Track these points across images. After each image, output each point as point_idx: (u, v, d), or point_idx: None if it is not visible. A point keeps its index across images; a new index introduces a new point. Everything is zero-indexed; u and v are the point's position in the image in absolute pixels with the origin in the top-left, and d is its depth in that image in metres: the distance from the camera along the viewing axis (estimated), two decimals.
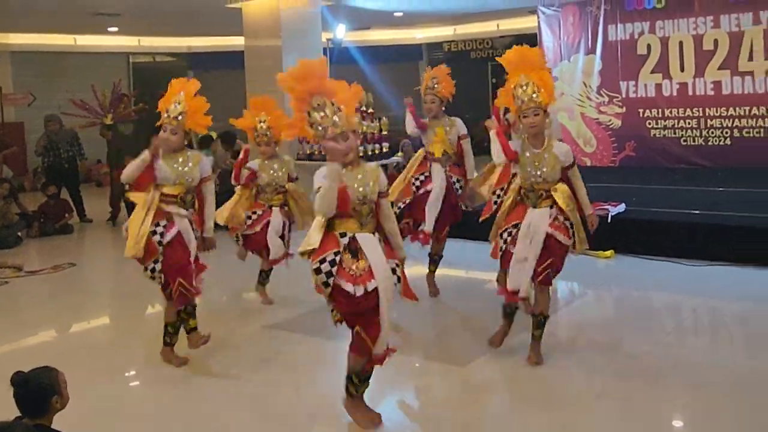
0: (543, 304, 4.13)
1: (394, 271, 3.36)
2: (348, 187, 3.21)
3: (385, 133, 8.64)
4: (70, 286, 6.78)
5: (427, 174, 5.34)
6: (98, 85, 10.00)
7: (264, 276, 5.58)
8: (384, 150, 8.60)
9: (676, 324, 5.21)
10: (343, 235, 3.24)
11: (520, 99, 3.93)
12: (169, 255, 4.13)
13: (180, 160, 4.19)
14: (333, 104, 3.16)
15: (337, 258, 3.21)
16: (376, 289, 3.22)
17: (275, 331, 5.05)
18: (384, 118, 8.99)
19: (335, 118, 3.16)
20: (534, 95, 3.87)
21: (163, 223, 4.14)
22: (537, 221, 4.03)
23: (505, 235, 4.14)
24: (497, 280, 4.85)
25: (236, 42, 10.74)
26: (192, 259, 4.23)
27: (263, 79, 9.01)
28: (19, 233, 8.57)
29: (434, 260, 5.63)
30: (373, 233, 3.35)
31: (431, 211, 5.26)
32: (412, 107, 5.40)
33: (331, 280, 3.21)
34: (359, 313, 3.26)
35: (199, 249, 4.35)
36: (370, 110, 8.63)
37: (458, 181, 5.45)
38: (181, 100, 4.13)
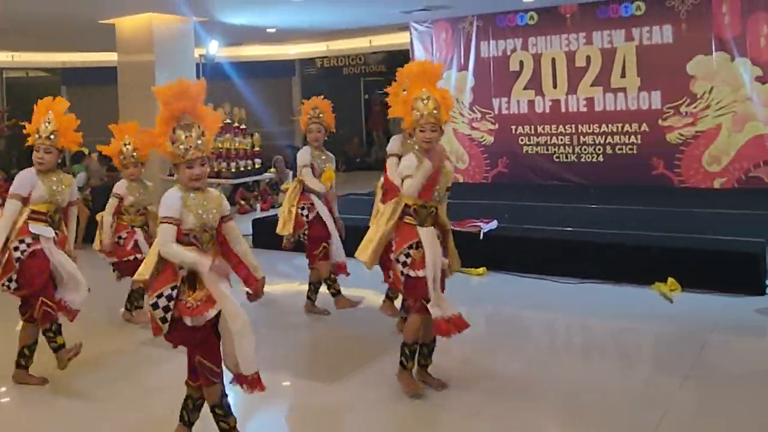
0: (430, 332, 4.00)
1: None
2: (191, 213, 3.24)
3: (257, 149, 9.07)
4: None
5: (310, 204, 5.46)
6: None
7: (137, 297, 5.48)
8: (257, 166, 9.03)
9: (550, 341, 5.18)
10: (181, 267, 3.23)
11: (419, 112, 3.87)
12: (28, 272, 4.15)
13: (54, 179, 4.28)
14: (199, 128, 3.27)
15: (174, 292, 3.21)
16: (217, 316, 3.23)
17: (148, 347, 4.84)
18: (256, 134, 9.34)
19: (199, 141, 3.25)
20: (435, 111, 3.85)
21: (27, 240, 4.17)
22: (431, 241, 3.89)
23: (402, 258, 3.91)
24: (383, 308, 5.04)
25: (110, 57, 11.11)
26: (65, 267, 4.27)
27: (136, 94, 9.44)
28: None
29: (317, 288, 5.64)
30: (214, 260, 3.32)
31: (337, 242, 5.42)
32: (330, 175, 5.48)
33: (168, 315, 3.20)
34: (197, 343, 3.26)
35: None
36: (243, 126, 8.96)
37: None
38: (51, 119, 4.22)
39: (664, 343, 4.91)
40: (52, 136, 4.18)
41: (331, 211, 5.47)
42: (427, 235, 3.87)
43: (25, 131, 4.25)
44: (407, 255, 3.86)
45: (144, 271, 3.26)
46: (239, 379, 3.27)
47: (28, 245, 4.14)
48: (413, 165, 3.81)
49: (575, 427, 3.65)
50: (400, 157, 4.66)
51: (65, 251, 4.33)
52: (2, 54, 15.06)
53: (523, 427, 3.65)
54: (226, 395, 3.32)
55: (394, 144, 4.90)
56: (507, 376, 4.31)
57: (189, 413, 3.41)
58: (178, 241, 3.20)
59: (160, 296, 3.19)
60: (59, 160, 4.37)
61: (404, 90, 4.60)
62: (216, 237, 3.35)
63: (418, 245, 3.85)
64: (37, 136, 4.20)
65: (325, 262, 5.39)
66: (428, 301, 3.82)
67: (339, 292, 5.55)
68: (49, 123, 4.19)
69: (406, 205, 3.91)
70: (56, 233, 4.27)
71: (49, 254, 4.20)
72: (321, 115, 5.43)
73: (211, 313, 3.19)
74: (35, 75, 16.61)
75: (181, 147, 3.21)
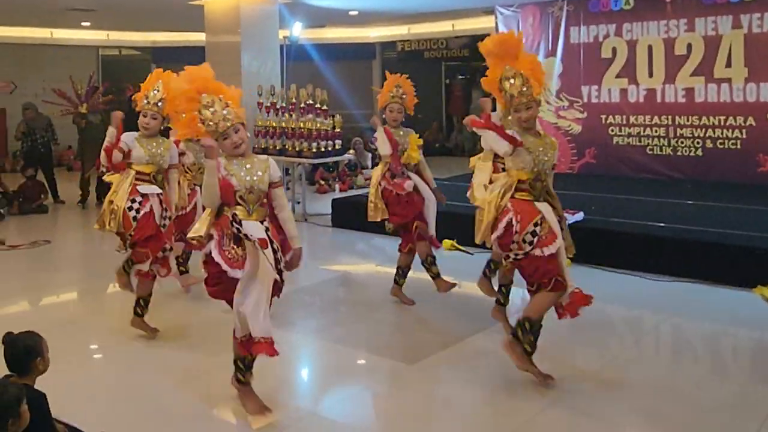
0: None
1: (278, 262, 3.45)
2: (234, 176, 3.42)
3: (338, 130, 9.01)
4: (46, 261, 7.39)
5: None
6: (73, 76, 11.06)
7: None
8: (336, 147, 8.99)
9: (635, 340, 4.94)
10: (233, 218, 3.40)
11: (509, 93, 3.74)
12: (141, 227, 4.50)
13: (154, 143, 4.61)
14: (221, 100, 3.45)
15: (224, 240, 3.42)
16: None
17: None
18: (337, 115, 9.30)
19: (224, 112, 3.43)
20: (524, 88, 3.70)
21: (138, 199, 4.51)
22: (553, 216, 3.75)
23: (529, 237, 3.70)
24: (481, 288, 4.77)
25: (198, 37, 11.55)
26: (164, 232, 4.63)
27: (223, 73, 9.55)
28: (2, 210, 9.57)
29: (405, 273, 5.40)
30: (262, 221, 3.47)
31: (431, 217, 5.21)
32: (387, 129, 5.16)
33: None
34: (225, 291, 3.45)
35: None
36: (324, 107, 8.96)
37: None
38: (160, 87, 4.52)
39: (764, 350, 4.58)
40: (159, 103, 4.52)
41: (426, 181, 5.21)
42: (546, 209, 3.72)
43: (134, 98, 4.67)
44: (534, 234, 3.66)
45: (200, 228, 3.47)
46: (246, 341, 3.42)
47: (140, 204, 4.51)
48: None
49: (660, 428, 3.45)
50: None
51: (171, 213, 4.73)
52: (99, 33, 15.97)
53: (601, 420, 3.54)
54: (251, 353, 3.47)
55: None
56: (587, 370, 4.17)
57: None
58: (226, 202, 3.42)
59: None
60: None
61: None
62: (265, 201, 3.51)
63: (542, 221, 3.68)
64: (145, 101, 4.56)
65: (423, 242, 5.13)
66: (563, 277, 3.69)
67: (438, 274, 5.23)
68: (158, 91, 4.53)
69: (519, 180, 3.72)
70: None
71: (156, 211, 4.56)
72: (404, 96, 5.25)
73: (237, 273, 3.36)
74: (127, 53, 17.55)
75: (211, 123, 3.42)
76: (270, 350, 3.38)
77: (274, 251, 3.43)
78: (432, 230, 5.18)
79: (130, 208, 4.50)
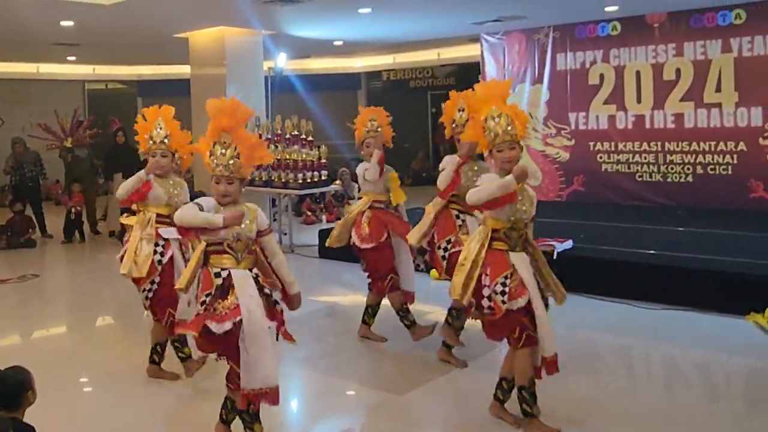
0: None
1: (274, 307, 3.54)
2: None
3: (323, 161, 9.18)
4: (34, 295, 7.58)
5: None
6: (59, 110, 11.59)
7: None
8: (323, 178, 9.16)
9: (627, 368, 5.02)
10: (217, 275, 3.45)
11: (493, 132, 3.75)
12: (165, 278, 4.42)
13: (170, 182, 4.59)
14: (235, 149, 3.52)
15: (208, 299, 3.43)
16: (239, 323, 3.38)
17: None
18: (323, 146, 9.48)
19: (230, 162, 3.51)
20: (509, 128, 3.72)
21: (161, 242, 4.47)
22: (526, 266, 3.72)
23: (498, 289, 3.67)
24: (445, 335, 4.82)
25: (183, 70, 11.77)
26: None
27: None
28: None
29: (375, 311, 5.41)
30: (251, 269, 3.53)
31: (408, 269, 5.21)
32: (383, 159, 5.14)
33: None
34: (225, 349, 3.46)
35: None
36: (310, 138, 9.15)
37: None
38: (162, 124, 4.52)
39: (758, 378, 4.64)
40: (166, 140, 4.49)
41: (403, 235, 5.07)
42: (520, 259, 3.69)
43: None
44: (504, 285, 3.65)
45: (183, 280, 3.52)
46: (245, 394, 3.42)
47: (163, 248, 4.46)
48: (492, 180, 3.65)
49: None
50: None
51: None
52: (84, 67, 16.33)
53: None
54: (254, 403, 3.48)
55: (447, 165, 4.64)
56: (578, 399, 4.23)
57: (227, 413, 3.63)
58: (213, 250, 3.46)
59: (203, 303, 3.44)
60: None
61: (460, 110, 4.77)
62: (254, 248, 3.55)
63: (513, 274, 3.66)
64: (151, 142, 4.51)
65: (396, 292, 5.14)
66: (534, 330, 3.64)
67: (414, 322, 5.21)
68: (161, 128, 4.51)
69: (494, 229, 3.71)
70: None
71: (176, 257, 4.49)
72: (379, 129, 5.15)
73: (232, 322, 3.36)
74: (113, 87, 17.89)
75: (214, 161, 3.51)
76: (273, 399, 3.43)
77: (266, 295, 3.52)
78: (410, 284, 5.15)
79: (155, 252, 4.43)
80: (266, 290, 3.55)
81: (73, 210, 10.28)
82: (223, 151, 3.51)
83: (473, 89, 4.12)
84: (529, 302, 3.62)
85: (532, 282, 3.66)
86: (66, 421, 4.04)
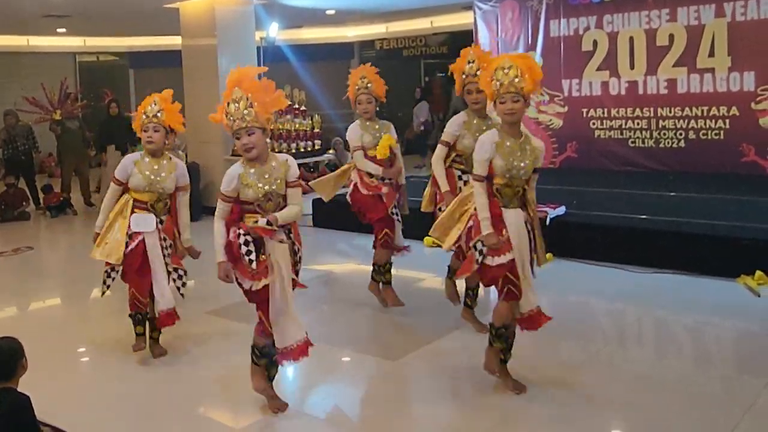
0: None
1: (295, 254, 3.67)
2: (250, 188, 3.51)
3: (317, 130, 9.29)
4: (29, 267, 7.63)
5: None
6: (48, 83, 11.41)
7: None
8: (316, 147, 9.30)
9: (619, 332, 5.07)
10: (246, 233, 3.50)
11: (499, 81, 3.63)
12: (128, 263, 4.38)
13: (155, 167, 4.40)
14: (247, 99, 3.47)
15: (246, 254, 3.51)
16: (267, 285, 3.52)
17: (214, 317, 5.33)
18: (316, 115, 9.57)
19: (245, 112, 3.47)
20: (516, 79, 3.60)
21: (130, 233, 4.37)
22: (518, 224, 3.70)
23: (479, 245, 3.69)
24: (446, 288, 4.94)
25: (174, 41, 11.54)
26: (155, 269, 4.37)
27: (200, 76, 10.03)
28: None
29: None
30: (283, 226, 3.56)
31: (397, 227, 5.18)
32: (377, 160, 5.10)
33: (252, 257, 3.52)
34: (257, 301, 3.59)
35: (181, 257, 4.53)
36: (303, 108, 9.22)
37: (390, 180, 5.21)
38: (157, 101, 4.45)
39: (747, 340, 4.70)
40: (159, 114, 4.38)
41: (398, 189, 5.15)
42: (512, 217, 3.67)
43: (133, 121, 4.54)
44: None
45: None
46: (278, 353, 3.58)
47: (130, 237, 4.35)
48: (488, 145, 3.63)
49: (643, 420, 3.53)
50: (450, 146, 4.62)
51: (183, 240, 4.50)
52: (75, 39, 16.18)
53: (585, 414, 3.60)
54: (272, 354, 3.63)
55: (452, 125, 4.63)
56: (570, 364, 4.26)
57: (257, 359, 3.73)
58: (245, 209, 3.55)
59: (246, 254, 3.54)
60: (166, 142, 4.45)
61: (470, 62, 4.68)
62: (283, 204, 3.61)
63: (502, 230, 3.65)
64: (144, 116, 4.42)
65: (385, 250, 5.17)
66: (517, 287, 3.66)
67: (389, 282, 5.25)
68: (155, 104, 4.42)
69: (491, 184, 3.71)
70: (161, 220, 4.40)
71: (149, 249, 4.35)
72: (369, 85, 5.15)
73: (262, 283, 3.50)
74: (105, 59, 17.80)
75: (230, 119, 3.48)
76: (299, 354, 3.57)
77: (294, 252, 3.64)
78: (399, 239, 5.17)
79: (127, 243, 4.37)
80: (295, 247, 3.63)
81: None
82: (236, 105, 3.46)
83: None
84: (512, 260, 3.62)
85: (519, 240, 3.64)
86: (61, 392, 4.07)
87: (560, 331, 4.70)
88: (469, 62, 4.67)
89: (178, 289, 4.44)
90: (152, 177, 4.35)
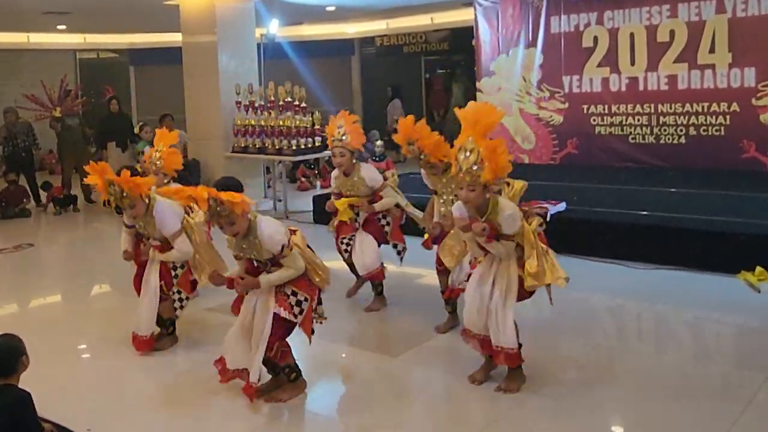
0: None
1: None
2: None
3: (317, 127, 9.19)
4: (30, 264, 7.65)
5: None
6: (48, 80, 11.44)
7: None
8: (317, 144, 9.16)
9: (619, 328, 5.09)
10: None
11: (459, 165, 3.55)
12: (136, 275, 4.68)
13: (141, 223, 4.47)
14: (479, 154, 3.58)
15: None
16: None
17: (214, 313, 5.29)
18: (316, 112, 9.53)
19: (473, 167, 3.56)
20: (474, 167, 3.48)
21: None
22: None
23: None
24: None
25: (175, 38, 11.62)
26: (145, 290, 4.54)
27: (200, 73, 10.14)
28: None
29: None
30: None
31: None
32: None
33: None
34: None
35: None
36: (303, 105, 9.12)
37: (384, 217, 5.23)
38: (159, 148, 4.86)
39: (748, 336, 4.70)
40: (158, 162, 5.01)
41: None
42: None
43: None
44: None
45: None
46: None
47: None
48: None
49: (643, 415, 3.54)
50: None
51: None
52: (75, 36, 16.20)
53: (585, 410, 3.61)
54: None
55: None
56: (571, 358, 4.27)
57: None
58: None
59: None
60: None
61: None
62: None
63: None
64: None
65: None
66: None
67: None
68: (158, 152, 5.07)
69: None
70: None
71: (147, 267, 4.55)
72: (344, 137, 4.97)
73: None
74: (105, 56, 17.76)
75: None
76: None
77: None
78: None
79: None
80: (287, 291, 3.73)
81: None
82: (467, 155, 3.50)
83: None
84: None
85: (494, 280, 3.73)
86: (62, 388, 4.07)
87: (560, 327, 4.77)
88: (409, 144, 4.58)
89: (175, 309, 4.57)
90: (143, 230, 4.51)
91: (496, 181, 3.59)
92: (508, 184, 3.89)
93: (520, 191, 3.85)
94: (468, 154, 3.49)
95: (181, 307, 4.59)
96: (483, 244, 3.63)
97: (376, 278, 5.19)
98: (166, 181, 4.82)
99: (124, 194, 4.23)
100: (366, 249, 5.11)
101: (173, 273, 4.53)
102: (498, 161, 3.48)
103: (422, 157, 4.52)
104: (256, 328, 3.66)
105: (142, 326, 4.47)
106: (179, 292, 4.55)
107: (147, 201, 4.33)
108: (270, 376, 3.91)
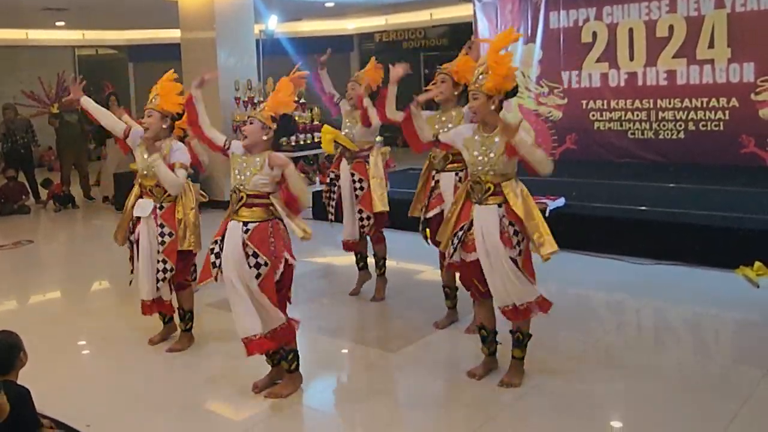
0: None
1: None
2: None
3: (316, 122, 9.35)
4: (29, 261, 7.63)
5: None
6: (47, 77, 11.84)
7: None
8: (316, 140, 9.23)
9: (618, 323, 5.03)
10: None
11: (474, 76, 3.71)
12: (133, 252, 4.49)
13: (146, 154, 4.35)
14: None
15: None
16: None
17: (214, 309, 5.28)
18: (316, 108, 9.69)
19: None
20: (480, 77, 3.62)
21: (132, 221, 4.45)
22: (485, 222, 3.64)
23: (455, 240, 3.76)
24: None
25: (173, 34, 11.54)
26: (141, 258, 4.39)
27: (199, 69, 9.74)
28: None
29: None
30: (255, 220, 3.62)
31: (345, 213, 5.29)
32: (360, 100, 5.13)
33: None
34: None
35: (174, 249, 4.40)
36: (303, 100, 9.31)
37: (360, 180, 5.17)
38: (156, 88, 4.46)
39: (746, 331, 4.69)
40: (154, 99, 4.37)
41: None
42: (481, 214, 3.64)
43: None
44: (458, 237, 3.71)
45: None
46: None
47: (133, 225, 4.44)
48: (459, 136, 3.79)
49: (641, 411, 3.53)
50: None
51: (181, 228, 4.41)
52: (74, 32, 16.19)
53: (584, 405, 3.61)
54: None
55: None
56: (569, 354, 4.26)
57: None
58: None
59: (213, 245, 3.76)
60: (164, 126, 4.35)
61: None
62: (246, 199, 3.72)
63: (471, 227, 3.67)
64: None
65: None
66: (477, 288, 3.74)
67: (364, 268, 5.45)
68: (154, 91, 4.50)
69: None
70: (161, 206, 4.34)
71: (140, 236, 4.36)
72: (358, 73, 5.34)
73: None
74: (104, 53, 17.77)
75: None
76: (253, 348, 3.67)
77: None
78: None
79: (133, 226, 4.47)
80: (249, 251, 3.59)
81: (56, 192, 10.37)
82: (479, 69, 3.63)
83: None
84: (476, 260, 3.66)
85: (486, 240, 3.61)
86: (61, 384, 4.07)
87: (559, 322, 4.72)
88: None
89: (157, 281, 4.34)
90: (147, 159, 4.30)
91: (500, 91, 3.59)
92: None
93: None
94: (481, 66, 3.66)
95: (164, 279, 4.33)
96: (511, 137, 3.48)
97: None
98: (165, 126, 4.35)
99: (154, 99, 4.29)
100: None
101: (160, 240, 4.31)
102: (500, 71, 3.56)
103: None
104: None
105: (144, 291, 4.38)
106: (164, 261, 4.32)
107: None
108: (263, 374, 3.90)
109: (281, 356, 3.78)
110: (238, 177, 3.62)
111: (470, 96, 3.68)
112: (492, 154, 3.60)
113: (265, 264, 3.55)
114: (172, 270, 4.32)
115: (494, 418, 3.54)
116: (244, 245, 3.55)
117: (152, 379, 4.16)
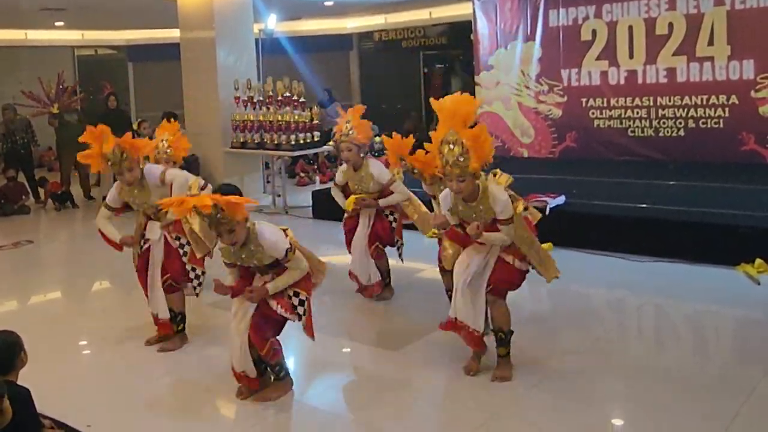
0: (498, 318, 3.88)
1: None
2: None
3: (316, 122, 9.20)
4: (29, 261, 7.65)
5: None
6: (46, 77, 11.36)
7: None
8: (315, 139, 9.15)
9: (619, 322, 5.04)
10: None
11: (445, 158, 3.55)
12: (139, 265, 4.56)
13: (135, 191, 4.41)
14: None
15: None
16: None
17: (215, 309, 5.26)
18: (315, 107, 9.57)
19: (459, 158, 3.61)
20: (460, 159, 3.50)
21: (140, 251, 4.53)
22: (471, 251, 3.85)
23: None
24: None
25: (173, 34, 11.57)
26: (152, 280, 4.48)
27: (199, 69, 10.17)
28: None
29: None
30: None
31: (355, 253, 5.27)
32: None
33: None
34: None
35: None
36: (302, 100, 9.11)
37: (391, 213, 5.22)
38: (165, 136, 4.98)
39: (747, 329, 4.69)
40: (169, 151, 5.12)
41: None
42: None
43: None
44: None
45: None
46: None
47: (145, 241, 4.50)
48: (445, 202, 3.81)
49: (643, 409, 3.53)
50: None
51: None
52: (73, 32, 16.20)
53: (585, 403, 3.61)
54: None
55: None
56: (571, 352, 4.26)
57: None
58: None
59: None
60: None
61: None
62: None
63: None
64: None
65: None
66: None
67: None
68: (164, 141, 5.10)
69: None
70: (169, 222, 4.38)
71: (151, 257, 4.45)
72: (351, 132, 4.96)
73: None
74: (103, 53, 17.74)
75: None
76: None
77: None
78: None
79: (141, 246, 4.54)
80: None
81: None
82: (451, 147, 3.50)
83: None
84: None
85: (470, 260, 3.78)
86: (61, 384, 4.07)
87: (560, 320, 4.79)
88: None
89: (194, 288, 4.46)
90: (136, 201, 4.42)
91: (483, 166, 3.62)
92: (495, 174, 3.89)
93: (505, 184, 3.84)
94: (452, 146, 3.51)
95: (200, 284, 4.42)
96: (480, 241, 3.66)
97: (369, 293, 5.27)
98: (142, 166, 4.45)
99: (124, 156, 4.18)
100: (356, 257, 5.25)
101: (181, 252, 4.39)
102: (482, 148, 3.53)
103: (415, 171, 4.68)
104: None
105: (160, 311, 4.47)
106: (194, 269, 4.40)
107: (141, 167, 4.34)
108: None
109: (270, 367, 3.77)
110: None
111: (453, 178, 3.55)
112: (480, 220, 3.66)
113: (306, 299, 3.71)
114: (203, 273, 4.44)
115: (495, 417, 3.54)
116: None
117: (152, 379, 4.15)
